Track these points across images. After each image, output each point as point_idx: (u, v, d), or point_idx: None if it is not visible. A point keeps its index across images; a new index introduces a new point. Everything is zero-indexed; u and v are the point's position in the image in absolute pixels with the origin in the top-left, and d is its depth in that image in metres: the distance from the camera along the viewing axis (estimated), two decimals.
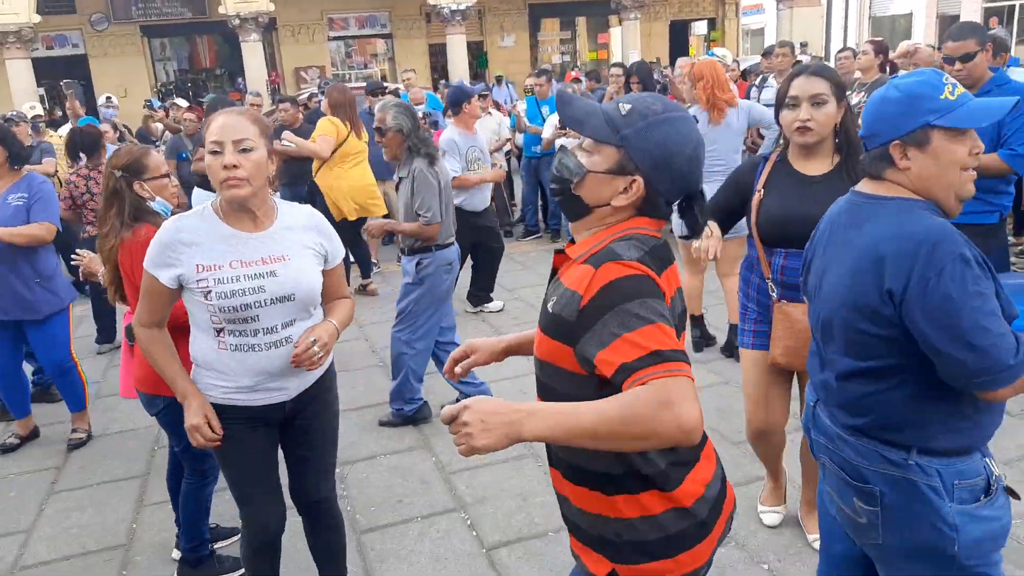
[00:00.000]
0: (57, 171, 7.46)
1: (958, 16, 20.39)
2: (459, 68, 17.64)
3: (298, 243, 2.27)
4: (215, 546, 3.25)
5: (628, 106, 1.50)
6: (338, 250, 2.41)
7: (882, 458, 1.71)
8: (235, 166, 2.08)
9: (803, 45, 17.73)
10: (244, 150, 2.10)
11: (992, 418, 1.70)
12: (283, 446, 2.50)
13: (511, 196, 9.43)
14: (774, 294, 2.63)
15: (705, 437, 1.60)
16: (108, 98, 9.65)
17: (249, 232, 2.22)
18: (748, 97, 7.40)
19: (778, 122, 2.64)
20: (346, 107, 6.38)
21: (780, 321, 2.62)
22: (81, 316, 6.28)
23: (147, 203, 2.81)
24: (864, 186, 1.78)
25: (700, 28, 24.12)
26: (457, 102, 5.94)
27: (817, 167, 2.58)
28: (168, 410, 2.78)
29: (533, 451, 3.89)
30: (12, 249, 3.95)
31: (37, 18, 15.36)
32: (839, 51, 7.34)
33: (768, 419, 2.90)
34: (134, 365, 2.91)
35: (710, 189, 4.49)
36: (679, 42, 22.81)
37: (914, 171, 1.67)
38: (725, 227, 2.83)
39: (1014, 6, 24.89)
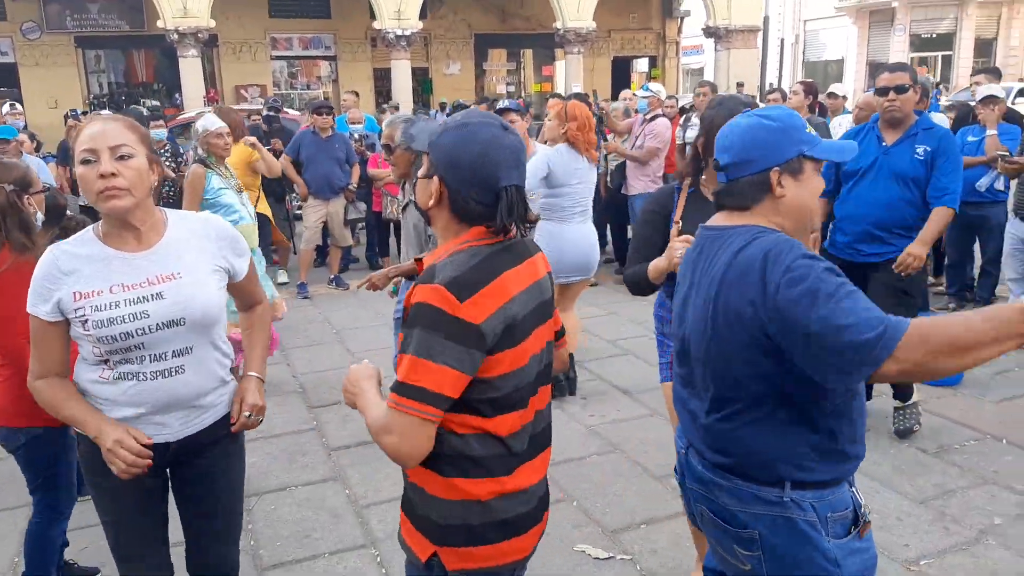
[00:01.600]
0: None
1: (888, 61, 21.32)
2: (403, 93, 17.62)
3: (192, 258, 2.05)
4: None
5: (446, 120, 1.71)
6: (242, 259, 2.19)
7: (756, 498, 1.70)
8: (113, 174, 1.89)
9: (739, 85, 18.29)
10: (122, 157, 1.91)
11: (857, 447, 1.71)
12: (178, 505, 2.24)
13: None
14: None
15: (520, 461, 1.69)
16: (12, 105, 9.25)
17: (132, 251, 2.00)
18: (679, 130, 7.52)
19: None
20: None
21: None
22: None
23: (33, 217, 2.64)
24: (719, 220, 1.80)
25: (642, 65, 24.69)
26: None
27: None
28: (30, 445, 2.56)
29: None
30: None
31: None
32: (768, 91, 7.56)
33: None
34: None
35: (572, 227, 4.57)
36: (621, 77, 23.29)
37: (787, 199, 1.70)
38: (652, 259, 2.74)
39: (937, 56, 26.21)
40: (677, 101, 8.91)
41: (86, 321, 1.94)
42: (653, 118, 6.98)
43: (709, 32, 20.76)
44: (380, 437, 1.59)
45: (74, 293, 1.94)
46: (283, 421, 4.59)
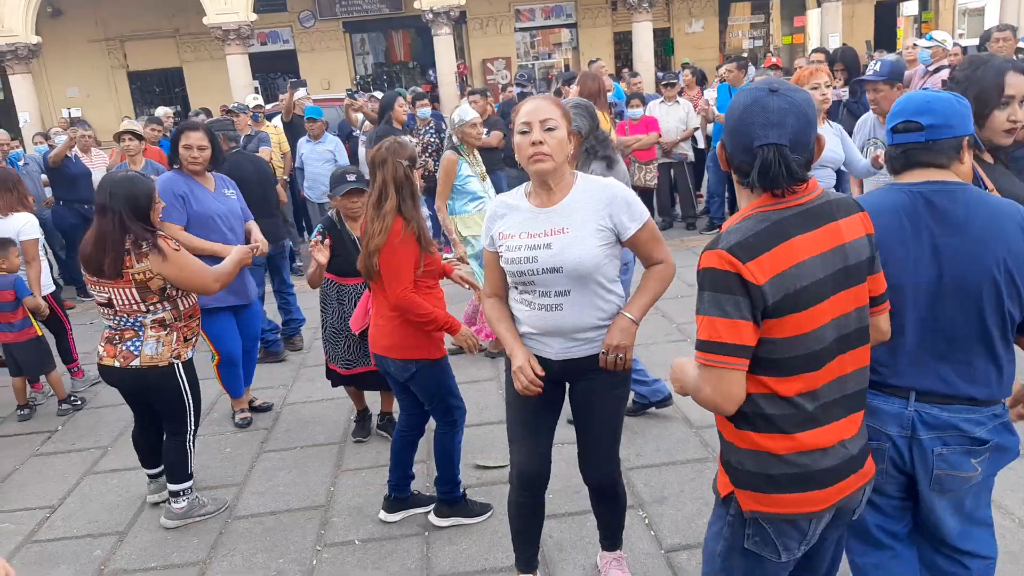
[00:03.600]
0: (271, 159, 8.14)
1: None
2: (645, 56, 17.35)
3: (580, 216, 2.42)
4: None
5: None
6: (633, 218, 2.44)
7: (994, 416, 2.00)
8: (541, 142, 2.34)
9: None
10: (549, 129, 2.36)
11: None
12: (572, 415, 2.71)
13: (697, 187, 9.17)
14: None
15: (817, 422, 1.75)
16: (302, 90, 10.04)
17: (541, 207, 2.46)
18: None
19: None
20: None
21: None
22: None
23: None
24: (924, 175, 1.96)
25: (910, 8, 22.21)
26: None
27: None
28: (421, 372, 3.17)
29: (715, 455, 3.76)
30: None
31: (254, 16, 16.80)
32: None
33: None
34: (385, 332, 3.18)
35: None
36: (886, 24, 21.11)
37: (965, 166, 1.98)
38: None
39: None
40: (964, 50, 7.95)
41: (501, 256, 2.49)
42: (937, 70, 6.30)
43: None
44: (697, 395, 1.76)
45: (499, 233, 2.52)
46: None
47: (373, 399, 4.49)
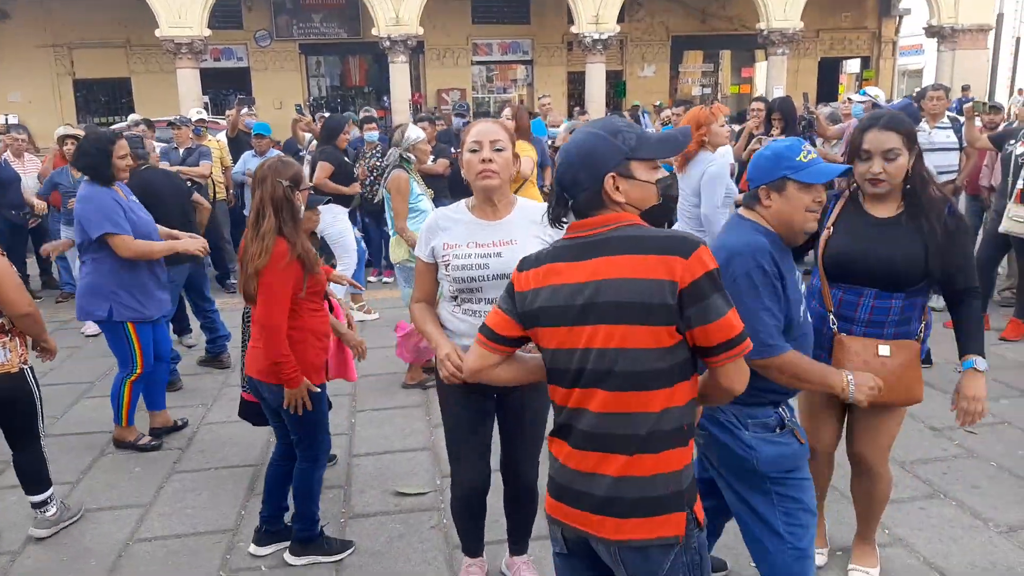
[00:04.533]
0: (211, 174, 8.00)
1: None
2: (596, 96, 17.70)
3: (524, 231, 2.58)
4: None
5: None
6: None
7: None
8: (490, 160, 2.51)
9: (964, 88, 16.68)
10: (498, 149, 2.54)
11: (767, 382, 2.25)
12: (499, 426, 2.82)
13: None
14: (834, 326, 2.66)
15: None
16: (249, 108, 9.99)
17: (488, 220, 2.61)
18: None
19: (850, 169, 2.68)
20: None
21: (840, 351, 2.63)
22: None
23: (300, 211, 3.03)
24: (741, 211, 2.37)
25: (852, 66, 23.16)
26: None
27: (885, 210, 2.66)
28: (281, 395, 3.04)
29: None
30: None
31: (208, 32, 16.64)
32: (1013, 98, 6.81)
33: (813, 440, 2.77)
34: (261, 355, 3.01)
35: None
36: (829, 79, 21.99)
37: (773, 209, 2.29)
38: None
39: None
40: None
41: (448, 264, 2.57)
42: None
43: (932, 31, 19.09)
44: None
45: (444, 244, 2.59)
46: None
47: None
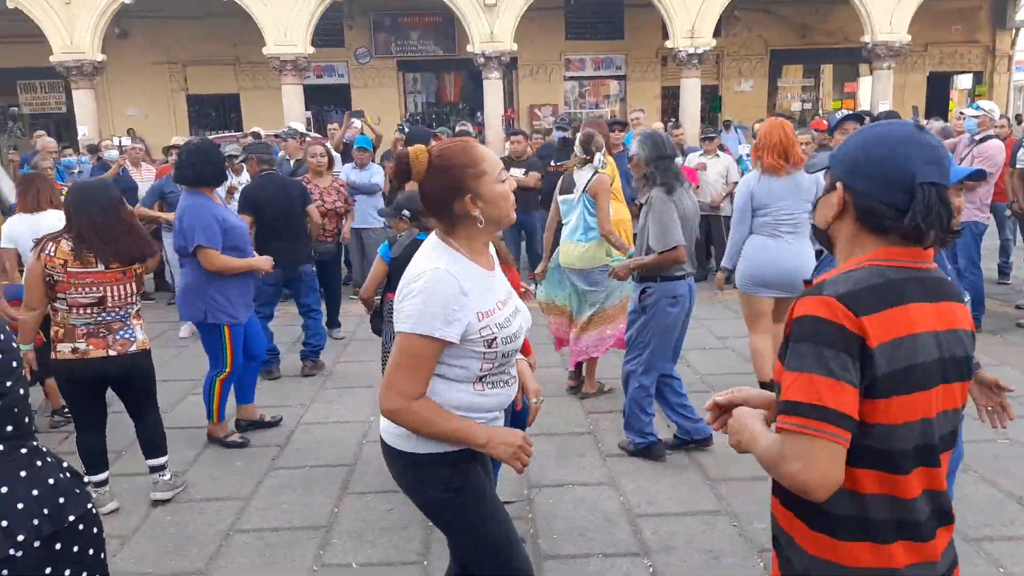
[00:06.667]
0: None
1: None
2: (691, 111, 17.45)
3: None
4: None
5: None
6: None
7: None
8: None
9: None
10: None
11: None
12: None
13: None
14: None
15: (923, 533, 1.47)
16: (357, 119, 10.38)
17: (489, 270, 2.07)
18: (1013, 156, 6.63)
19: None
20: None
21: None
22: None
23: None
24: None
25: (964, 82, 22.04)
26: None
27: None
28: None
29: (729, 509, 3.66)
30: None
31: (311, 49, 17.29)
32: None
33: None
34: None
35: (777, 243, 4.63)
36: (938, 96, 20.97)
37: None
38: None
39: None
40: (1010, 122, 7.86)
41: (494, 339, 1.95)
42: (983, 139, 6.21)
43: None
44: (778, 467, 1.43)
45: (477, 313, 1.93)
46: (559, 421, 4.76)
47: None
